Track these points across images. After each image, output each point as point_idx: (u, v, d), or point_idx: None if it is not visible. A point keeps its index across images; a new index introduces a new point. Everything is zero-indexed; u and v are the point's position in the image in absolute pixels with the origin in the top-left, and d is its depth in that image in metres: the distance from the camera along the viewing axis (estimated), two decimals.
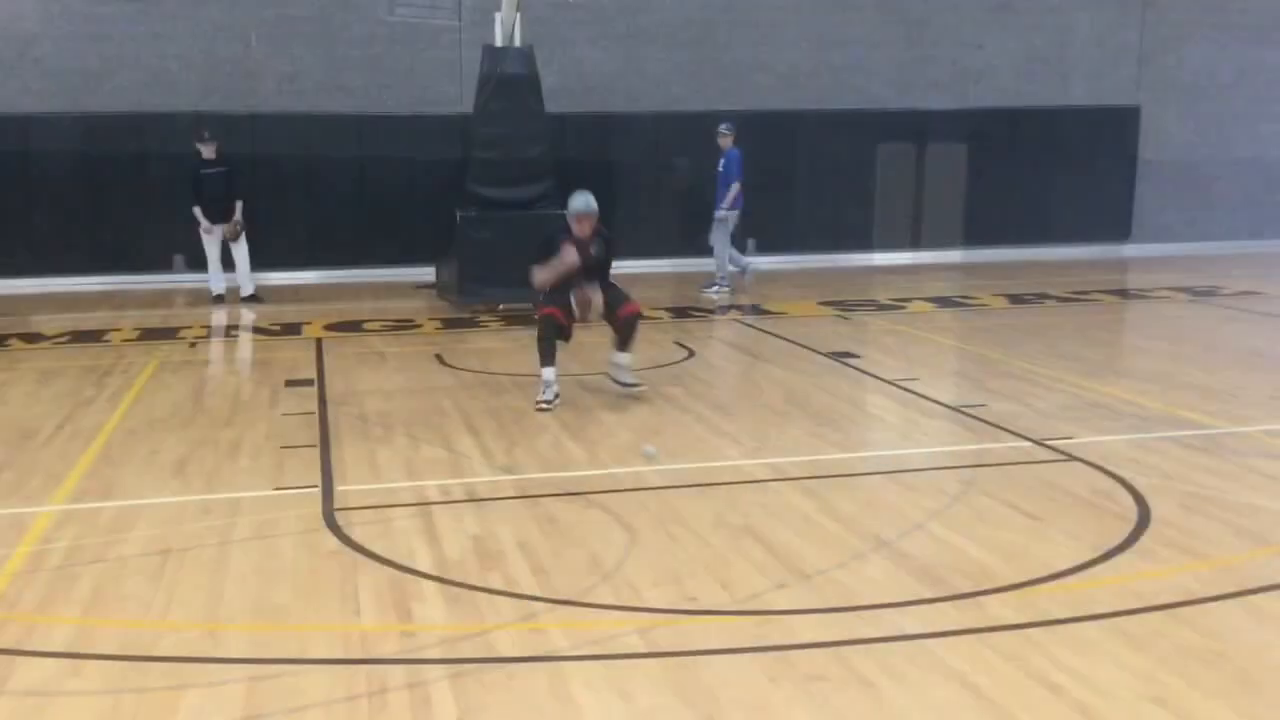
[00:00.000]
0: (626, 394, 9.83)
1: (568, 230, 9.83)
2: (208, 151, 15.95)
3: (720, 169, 16.51)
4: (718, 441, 8.52)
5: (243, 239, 16.09)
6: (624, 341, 9.98)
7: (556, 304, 9.72)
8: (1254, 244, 21.69)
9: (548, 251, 9.72)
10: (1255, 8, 21.79)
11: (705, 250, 16.89)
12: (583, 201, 9.79)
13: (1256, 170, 22.09)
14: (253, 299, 16.15)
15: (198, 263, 16.75)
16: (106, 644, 5.18)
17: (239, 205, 16.06)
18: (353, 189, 18.63)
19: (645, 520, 6.72)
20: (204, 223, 15.95)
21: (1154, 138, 21.55)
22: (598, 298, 9.83)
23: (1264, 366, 11.02)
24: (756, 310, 15.01)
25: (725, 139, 16.50)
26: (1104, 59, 21.44)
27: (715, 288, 16.64)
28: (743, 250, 17.75)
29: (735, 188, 16.34)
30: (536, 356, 9.74)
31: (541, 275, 9.73)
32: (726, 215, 16.45)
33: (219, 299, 16.19)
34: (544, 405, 9.57)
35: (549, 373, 9.70)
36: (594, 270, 9.84)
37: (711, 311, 15.06)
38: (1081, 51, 21.35)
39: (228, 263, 16.27)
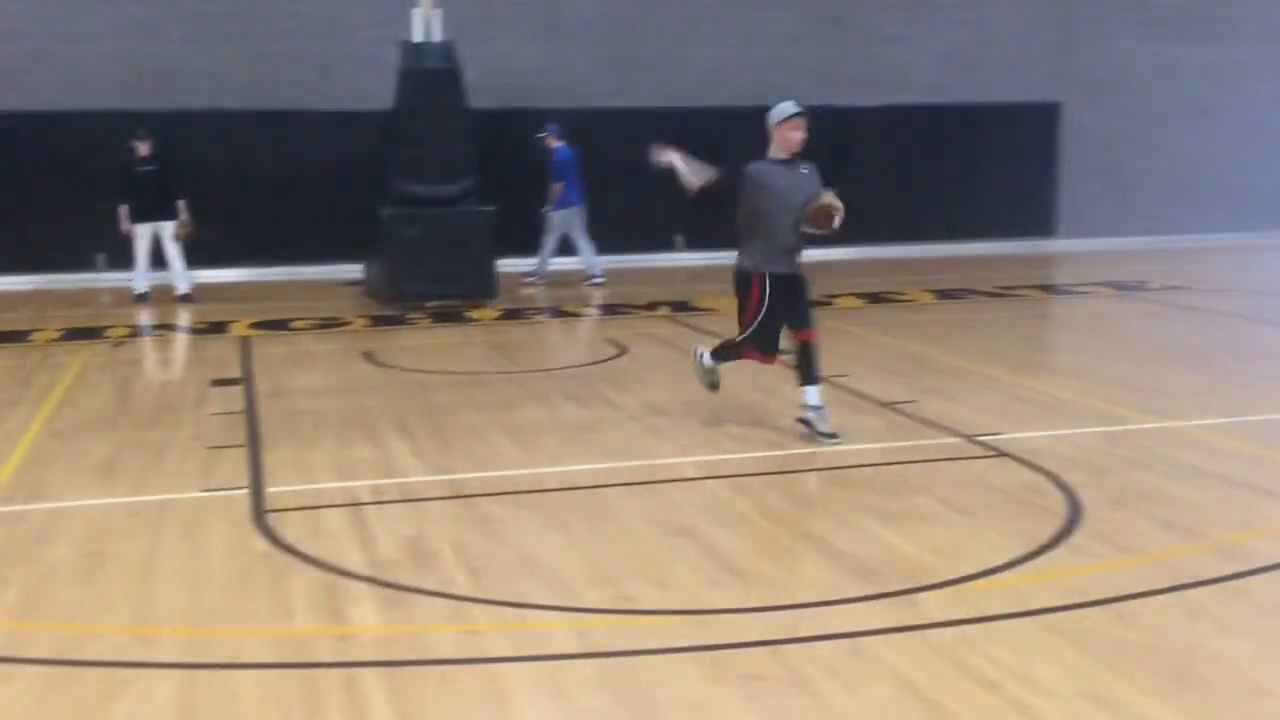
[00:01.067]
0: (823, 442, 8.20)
1: (768, 163, 8.17)
2: (143, 149, 15.72)
3: (551, 169, 16.72)
4: (651, 440, 8.50)
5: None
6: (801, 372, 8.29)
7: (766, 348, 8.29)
8: (1178, 238, 22.04)
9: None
10: (1174, 3, 22.14)
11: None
12: (788, 103, 8.21)
13: (1177, 165, 22.46)
14: (187, 298, 15.89)
15: (120, 261, 16.51)
16: (38, 648, 5.08)
17: (182, 204, 15.81)
18: (277, 186, 18.45)
19: (579, 520, 6.70)
20: (124, 223, 15.70)
21: (1075, 134, 21.84)
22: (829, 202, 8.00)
23: (1192, 361, 11.17)
24: (687, 308, 15.02)
25: (550, 140, 16.82)
26: (1024, 55, 21.69)
27: (593, 280, 16.87)
28: (672, 247, 17.81)
29: (557, 187, 16.62)
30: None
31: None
32: (565, 214, 16.71)
33: (142, 298, 15.94)
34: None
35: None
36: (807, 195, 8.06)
37: (641, 308, 15.04)
38: (1002, 48, 21.58)
39: (156, 262, 16.02)
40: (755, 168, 8.19)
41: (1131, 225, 22.19)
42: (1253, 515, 6.60)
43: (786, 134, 8.13)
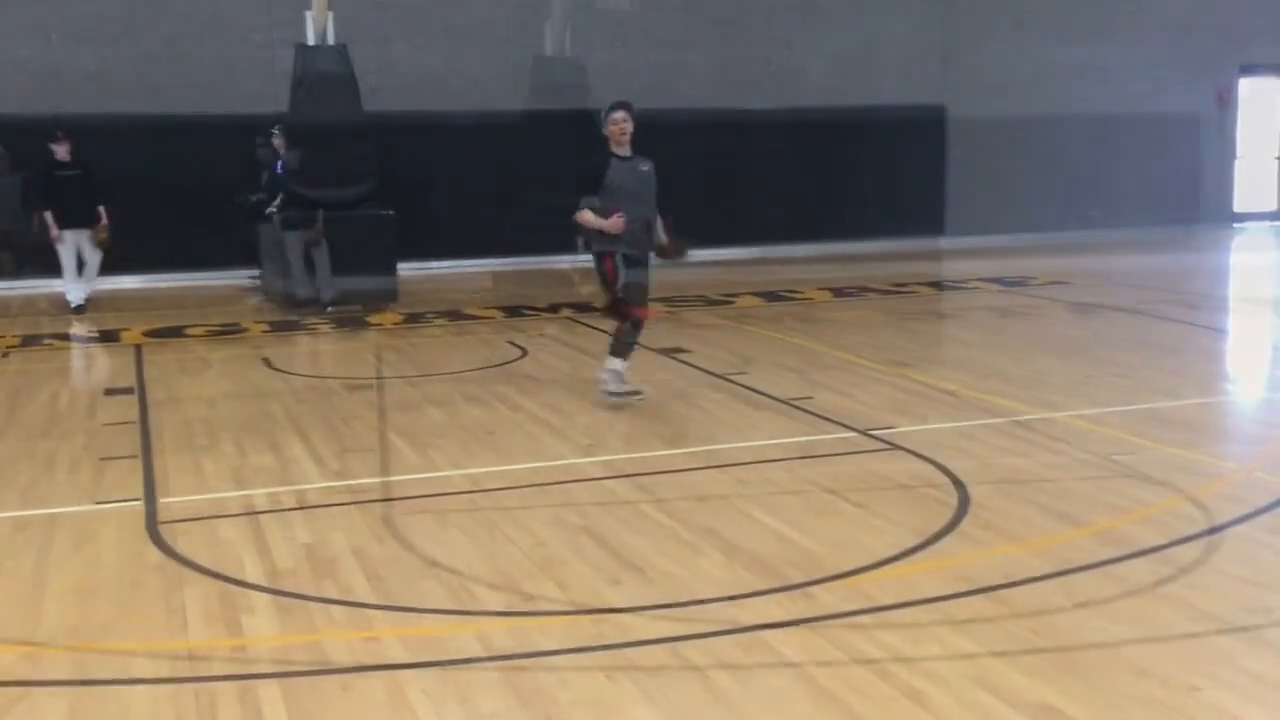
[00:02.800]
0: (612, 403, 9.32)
1: (609, 153, 9.21)
2: (61, 152, 15.22)
3: (279, 172, 16.15)
4: (551, 440, 8.53)
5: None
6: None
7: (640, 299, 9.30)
8: (1059, 235, 22.47)
9: (596, 182, 9.12)
10: (1050, 8, 22.60)
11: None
12: (617, 102, 9.36)
13: (1056, 164, 22.92)
14: (80, 309, 15.54)
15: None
16: None
17: (103, 211, 15.39)
18: (170, 192, 18.13)
19: (480, 522, 6.71)
20: (53, 229, 15.21)
21: (960, 135, 22.20)
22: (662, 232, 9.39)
23: (1070, 353, 11.41)
24: (588, 309, 15.05)
25: (279, 141, 16.30)
26: (910, 59, 22.04)
27: None
28: (573, 249, 17.81)
29: None
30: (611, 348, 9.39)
31: (586, 219, 9.07)
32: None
33: (79, 309, 15.50)
34: (628, 395, 9.32)
35: (620, 364, 9.30)
36: (649, 195, 9.30)
37: (542, 310, 15.06)
38: (889, 52, 21.90)
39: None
40: (599, 166, 9.16)
41: (1015, 223, 22.61)
42: (1126, 501, 6.79)
43: (612, 129, 9.22)
